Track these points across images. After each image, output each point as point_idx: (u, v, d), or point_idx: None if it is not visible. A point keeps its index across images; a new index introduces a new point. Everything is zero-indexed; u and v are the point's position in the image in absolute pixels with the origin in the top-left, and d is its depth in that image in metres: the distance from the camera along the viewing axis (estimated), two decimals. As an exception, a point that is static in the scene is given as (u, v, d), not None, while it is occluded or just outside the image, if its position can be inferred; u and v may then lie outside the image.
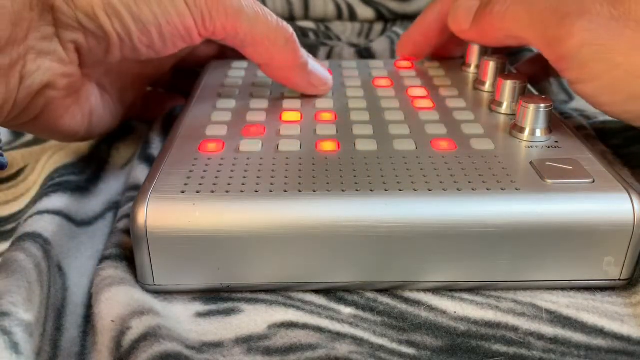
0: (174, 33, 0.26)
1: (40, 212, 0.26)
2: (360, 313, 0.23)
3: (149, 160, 0.31)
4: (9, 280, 0.22)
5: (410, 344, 0.22)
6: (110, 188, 0.31)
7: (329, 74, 0.32)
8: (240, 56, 0.31)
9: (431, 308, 0.23)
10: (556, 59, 0.27)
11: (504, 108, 0.30)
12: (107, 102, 0.31)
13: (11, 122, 0.26)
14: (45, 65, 0.25)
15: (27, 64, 0.24)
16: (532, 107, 0.27)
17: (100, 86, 0.30)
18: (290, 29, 0.29)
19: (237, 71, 0.37)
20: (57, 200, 0.28)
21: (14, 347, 0.19)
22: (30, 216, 0.26)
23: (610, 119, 0.37)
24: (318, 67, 0.32)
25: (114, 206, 0.30)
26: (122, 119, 0.34)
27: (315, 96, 0.33)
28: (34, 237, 0.25)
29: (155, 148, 0.32)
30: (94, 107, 0.30)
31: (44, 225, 0.26)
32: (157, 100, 0.38)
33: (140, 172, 0.30)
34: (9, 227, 0.29)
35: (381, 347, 0.21)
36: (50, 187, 0.29)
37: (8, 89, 0.24)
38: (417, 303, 0.24)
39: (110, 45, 0.26)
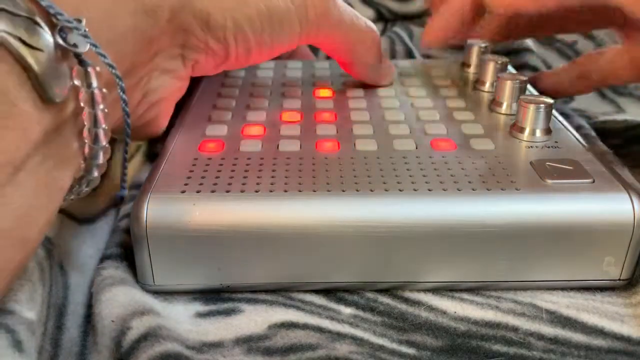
0: (281, 47, 0.28)
1: None
2: (361, 313, 0.23)
3: (152, 158, 0.31)
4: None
5: (410, 344, 0.22)
6: (109, 184, 0.31)
7: (393, 66, 0.35)
8: None
9: (431, 308, 0.23)
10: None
11: (504, 108, 0.30)
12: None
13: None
14: (166, 82, 0.26)
15: (151, 80, 0.25)
16: (532, 107, 0.27)
17: None
18: (376, 31, 0.31)
19: (236, 71, 0.37)
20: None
21: (17, 345, 0.19)
22: None
23: (610, 118, 0.37)
24: (387, 59, 0.34)
25: (116, 204, 0.30)
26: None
27: (315, 94, 0.33)
28: None
29: (157, 147, 0.32)
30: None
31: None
32: None
33: (143, 170, 0.30)
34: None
35: (381, 347, 0.21)
36: None
37: (130, 106, 0.24)
38: (417, 303, 0.24)
39: (225, 61, 0.27)
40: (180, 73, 0.27)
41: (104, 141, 0.21)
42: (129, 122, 0.24)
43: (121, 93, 0.22)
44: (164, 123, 0.29)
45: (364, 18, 0.30)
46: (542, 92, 0.32)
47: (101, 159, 0.22)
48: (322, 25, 0.28)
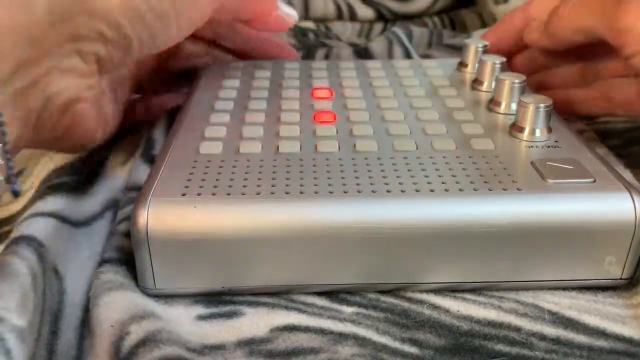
0: (190, 16, 0.27)
1: (34, 215, 0.26)
2: (363, 310, 0.23)
3: (151, 160, 0.31)
4: (2, 285, 0.21)
5: (413, 342, 0.22)
6: (109, 187, 0.31)
7: (291, 9, 0.35)
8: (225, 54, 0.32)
9: (434, 306, 0.23)
10: (615, 35, 0.28)
11: (503, 108, 0.30)
12: (114, 105, 0.31)
13: (37, 141, 0.25)
14: (70, 82, 0.25)
15: (51, 82, 0.24)
16: (531, 106, 0.27)
17: (110, 91, 0.30)
18: None
19: (234, 72, 0.37)
20: (53, 202, 0.27)
21: (6, 353, 0.19)
22: (25, 219, 0.26)
23: (611, 119, 0.37)
24: (282, 4, 0.34)
25: (113, 205, 0.30)
26: (121, 117, 0.33)
27: (314, 95, 0.33)
28: (28, 240, 0.24)
29: (158, 148, 0.32)
30: (107, 111, 0.29)
31: (38, 228, 0.25)
32: (158, 101, 0.38)
33: (142, 172, 0.30)
34: (6, 229, 0.29)
35: (384, 347, 0.21)
36: (46, 189, 0.29)
37: (30, 110, 0.23)
38: (420, 302, 0.24)
39: (129, 48, 0.26)
40: (82, 70, 0.25)
41: None
42: (4, 130, 0.22)
43: None
44: (92, 127, 0.27)
45: None
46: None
47: None
48: None
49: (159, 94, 0.39)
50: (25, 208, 0.29)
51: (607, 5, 0.29)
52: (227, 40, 0.40)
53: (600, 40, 0.30)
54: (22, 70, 0.22)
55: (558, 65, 0.37)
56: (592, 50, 0.32)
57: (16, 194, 0.22)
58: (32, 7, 0.22)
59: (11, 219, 0.30)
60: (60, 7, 0.23)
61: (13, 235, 0.25)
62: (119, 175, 0.32)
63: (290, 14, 0.34)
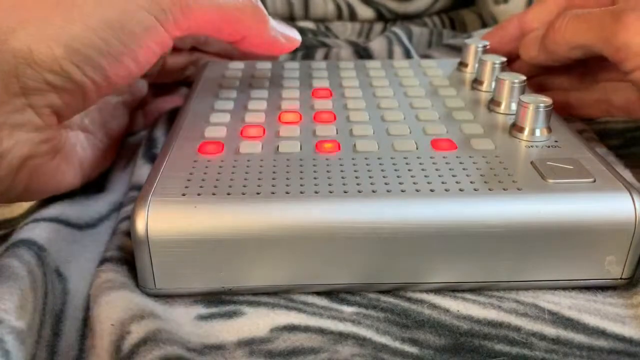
0: (148, 51, 0.25)
1: (36, 220, 0.26)
2: (363, 310, 0.23)
3: (153, 160, 0.31)
4: (1, 288, 0.21)
5: (413, 342, 0.22)
6: (116, 189, 0.31)
7: (293, 30, 0.32)
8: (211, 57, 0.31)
9: (434, 306, 0.23)
10: (613, 51, 0.28)
11: (503, 107, 0.30)
12: (93, 142, 0.30)
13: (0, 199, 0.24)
14: (22, 138, 0.23)
15: (3, 140, 0.22)
16: (531, 106, 0.27)
17: (83, 130, 0.29)
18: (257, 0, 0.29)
19: (234, 72, 0.37)
20: (55, 207, 0.27)
21: (5, 355, 0.19)
22: (26, 224, 0.26)
23: (611, 119, 0.37)
24: (282, 27, 0.31)
25: (119, 207, 0.30)
26: (115, 149, 0.32)
27: (314, 95, 0.33)
28: (28, 243, 0.24)
29: (159, 147, 0.32)
30: (83, 155, 0.28)
31: (39, 232, 0.25)
32: (155, 106, 0.38)
33: (143, 171, 0.30)
34: (6, 231, 0.29)
35: (384, 347, 0.21)
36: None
37: None
38: (420, 301, 0.24)
39: (86, 93, 0.24)
40: (36, 124, 0.23)
41: None
42: None
43: None
44: (59, 178, 0.26)
45: None
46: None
47: None
48: (188, 13, 0.25)
49: (156, 100, 0.39)
50: (27, 212, 0.29)
51: (605, 20, 0.28)
52: (209, 46, 0.39)
53: (596, 55, 0.30)
54: None
55: (555, 73, 0.36)
56: (590, 56, 0.32)
57: None
58: None
59: (12, 222, 0.30)
60: (2, 64, 0.21)
61: (13, 239, 0.25)
62: (125, 177, 0.32)
63: (291, 37, 0.32)
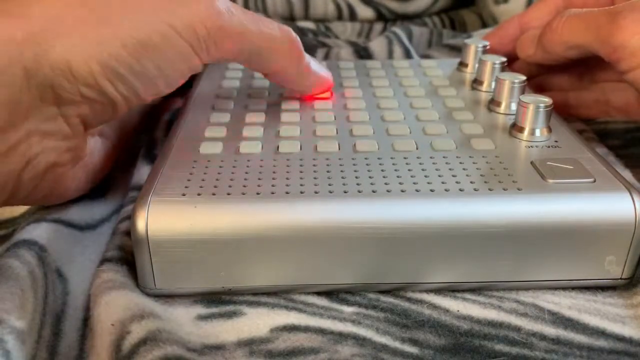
0: (180, 74, 0.25)
1: (37, 220, 0.26)
2: (363, 310, 0.23)
3: (153, 160, 0.31)
4: (2, 288, 0.21)
5: (413, 342, 0.22)
6: (117, 190, 0.31)
7: (329, 73, 0.33)
8: None
9: (434, 306, 0.23)
10: (610, 52, 0.28)
11: (503, 108, 0.30)
12: (106, 147, 0.30)
13: (17, 202, 0.25)
14: (50, 145, 0.24)
15: (32, 147, 0.23)
16: (531, 106, 0.27)
17: (100, 135, 0.29)
18: (293, 33, 0.29)
19: (234, 72, 0.37)
20: (56, 208, 0.27)
21: (6, 355, 0.19)
22: (28, 224, 0.26)
23: (610, 119, 0.37)
24: (319, 67, 0.32)
25: (121, 208, 0.30)
26: (121, 152, 0.32)
27: (314, 95, 0.33)
28: (29, 244, 0.24)
29: (159, 148, 0.32)
30: (97, 161, 0.28)
31: (40, 232, 0.25)
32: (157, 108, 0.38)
33: (144, 172, 0.30)
34: (7, 231, 0.29)
35: (384, 347, 0.21)
36: None
37: (9, 173, 0.22)
38: (420, 302, 0.24)
39: (115, 106, 0.24)
40: (65, 133, 0.24)
41: None
42: None
43: None
44: (76, 186, 0.27)
45: (276, 23, 0.28)
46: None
47: None
48: (221, 40, 0.25)
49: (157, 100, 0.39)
50: (29, 213, 0.29)
51: (601, 21, 0.28)
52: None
53: (594, 55, 0.30)
54: (1, 135, 0.21)
55: (554, 74, 0.37)
56: (589, 56, 0.32)
57: None
58: (7, 75, 0.21)
59: (14, 222, 0.30)
60: (38, 73, 0.22)
61: (14, 239, 0.25)
62: (127, 179, 0.32)
63: (325, 80, 0.32)
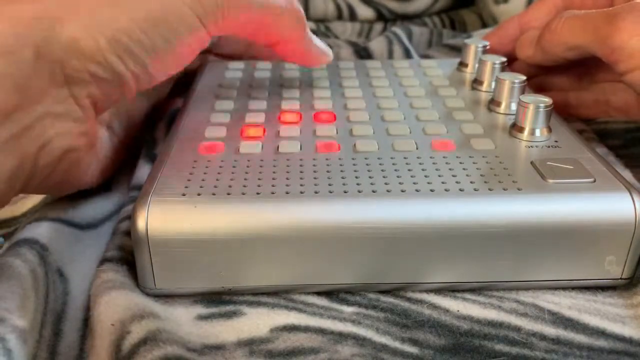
0: (188, 48, 0.25)
1: (38, 219, 0.26)
2: (363, 310, 0.23)
3: (154, 160, 0.31)
4: (3, 286, 0.22)
5: (413, 342, 0.22)
6: (119, 190, 0.31)
7: (327, 47, 0.33)
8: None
9: (434, 306, 0.23)
10: (608, 53, 0.28)
11: (503, 108, 0.30)
12: (113, 141, 0.30)
13: (31, 190, 0.25)
14: (63, 128, 0.24)
15: (45, 129, 0.23)
16: (531, 106, 0.27)
17: (107, 128, 0.29)
18: (297, 3, 0.29)
19: (233, 72, 0.37)
20: (57, 207, 0.27)
21: (7, 353, 0.19)
22: (29, 222, 0.26)
23: (610, 119, 0.37)
24: (317, 39, 0.32)
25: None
26: (128, 150, 0.33)
27: (313, 94, 0.33)
28: (31, 243, 0.24)
29: (159, 148, 0.32)
30: (106, 153, 0.29)
31: (41, 231, 0.25)
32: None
33: (144, 172, 0.30)
34: (9, 230, 0.29)
35: (384, 347, 0.21)
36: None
37: (24, 156, 0.22)
38: (420, 302, 0.24)
39: (124, 85, 0.25)
40: (77, 115, 0.24)
41: None
42: None
43: None
44: (90, 173, 0.27)
45: None
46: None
47: None
48: (229, 11, 0.25)
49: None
50: (30, 211, 0.29)
51: (600, 22, 0.29)
52: (221, 48, 0.39)
53: (593, 55, 0.30)
54: (12, 117, 0.21)
55: (554, 74, 0.37)
56: (588, 57, 0.32)
57: None
58: (17, 55, 0.21)
59: (15, 220, 0.30)
60: (47, 52, 0.22)
61: (15, 237, 0.25)
62: (129, 178, 0.32)
63: (326, 51, 0.32)
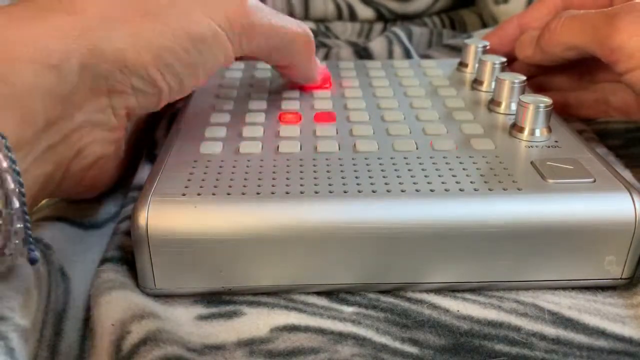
0: (217, 66, 0.27)
1: (42, 218, 0.26)
2: (363, 310, 0.23)
3: (154, 161, 0.31)
4: (7, 285, 0.22)
5: (413, 342, 0.22)
6: (121, 190, 0.31)
7: (325, 68, 0.35)
8: None
9: (434, 306, 0.23)
10: (607, 53, 0.28)
11: (503, 108, 0.30)
12: (126, 145, 0.30)
13: (59, 194, 0.25)
14: (99, 136, 0.25)
15: (82, 137, 0.24)
16: (531, 106, 0.27)
17: (132, 126, 0.30)
18: (309, 30, 0.30)
19: (233, 72, 0.37)
20: (61, 206, 0.27)
21: (10, 352, 0.19)
22: (33, 221, 0.26)
23: (610, 119, 0.37)
24: (318, 60, 0.33)
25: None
26: (133, 154, 0.33)
27: (313, 94, 0.33)
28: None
29: (160, 148, 0.32)
30: (122, 156, 0.29)
31: (45, 230, 0.25)
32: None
33: (144, 172, 0.30)
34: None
35: (384, 347, 0.21)
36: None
37: (60, 163, 0.23)
38: (420, 302, 0.24)
39: (161, 98, 0.26)
40: (112, 125, 0.25)
41: (16, 203, 0.19)
42: (22, 191, 0.20)
43: (10, 163, 0.19)
44: (112, 178, 0.28)
45: (292, 19, 0.29)
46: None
47: (16, 223, 0.20)
48: (252, 35, 0.27)
49: None
50: (33, 212, 0.29)
51: (599, 22, 0.29)
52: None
53: (592, 55, 0.30)
54: (54, 127, 0.22)
55: (554, 74, 0.37)
56: (588, 57, 0.32)
57: (33, 262, 0.21)
58: (63, 69, 0.22)
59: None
60: (93, 65, 0.23)
61: None
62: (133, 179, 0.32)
63: (325, 68, 0.34)
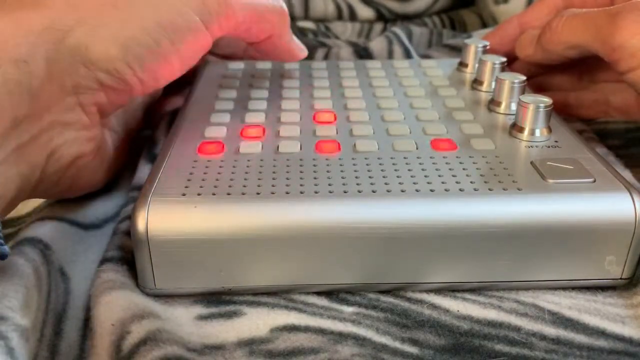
0: (193, 52, 0.26)
1: (42, 218, 0.26)
2: (363, 310, 0.23)
3: (154, 161, 0.31)
4: (7, 285, 0.22)
5: (413, 342, 0.22)
6: (121, 190, 0.31)
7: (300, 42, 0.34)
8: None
9: (434, 306, 0.23)
10: (609, 52, 0.28)
11: (503, 108, 0.30)
12: (115, 141, 0.30)
13: (38, 194, 0.25)
14: (72, 136, 0.24)
15: (53, 138, 0.23)
16: (531, 106, 0.27)
17: (108, 128, 0.30)
18: (283, 4, 0.30)
19: (234, 72, 0.37)
20: (61, 206, 0.27)
21: (10, 352, 0.19)
22: (32, 222, 0.26)
23: (611, 120, 0.37)
24: (294, 36, 0.33)
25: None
26: (128, 150, 0.33)
27: (313, 94, 0.33)
28: (34, 242, 0.24)
29: (159, 148, 0.32)
30: (110, 154, 0.29)
31: (44, 231, 0.25)
32: (159, 106, 0.38)
33: (144, 172, 0.30)
34: (12, 230, 0.29)
35: (384, 347, 0.21)
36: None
37: (33, 164, 0.23)
38: (420, 302, 0.24)
39: (132, 92, 0.25)
40: (84, 123, 0.24)
41: None
42: None
43: None
44: (96, 177, 0.27)
45: None
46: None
47: None
48: (229, 13, 0.26)
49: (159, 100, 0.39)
50: (34, 211, 0.29)
51: (601, 21, 0.29)
52: (219, 49, 0.40)
53: (593, 55, 0.30)
54: (22, 126, 0.22)
55: (554, 74, 0.37)
56: (588, 56, 0.32)
57: (3, 257, 0.21)
58: (29, 64, 0.21)
59: (19, 220, 0.30)
60: (58, 61, 0.22)
61: (19, 236, 0.25)
62: (131, 179, 0.32)
63: (302, 48, 0.33)
